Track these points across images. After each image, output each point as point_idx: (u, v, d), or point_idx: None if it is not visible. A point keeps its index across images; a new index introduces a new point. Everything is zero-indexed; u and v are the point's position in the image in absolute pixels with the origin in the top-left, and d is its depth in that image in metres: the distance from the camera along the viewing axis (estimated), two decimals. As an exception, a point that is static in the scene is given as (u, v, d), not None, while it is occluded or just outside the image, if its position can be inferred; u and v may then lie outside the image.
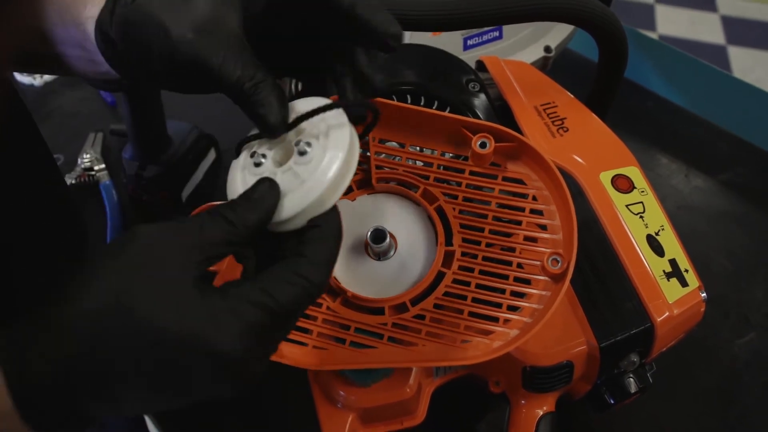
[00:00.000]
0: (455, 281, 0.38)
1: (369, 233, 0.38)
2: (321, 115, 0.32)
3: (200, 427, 0.55)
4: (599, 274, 0.41)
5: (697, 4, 2.10)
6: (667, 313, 0.40)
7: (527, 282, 0.37)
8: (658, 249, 0.43)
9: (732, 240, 0.68)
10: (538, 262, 0.37)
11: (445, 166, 0.41)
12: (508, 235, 0.38)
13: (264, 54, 0.33)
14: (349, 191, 0.41)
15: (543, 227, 0.38)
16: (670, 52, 0.93)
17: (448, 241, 0.39)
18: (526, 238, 0.38)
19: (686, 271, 0.42)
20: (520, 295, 0.37)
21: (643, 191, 0.45)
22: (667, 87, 0.84)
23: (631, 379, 0.42)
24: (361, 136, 0.40)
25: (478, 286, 0.37)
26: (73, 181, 0.75)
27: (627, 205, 0.44)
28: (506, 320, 0.36)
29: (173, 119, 0.73)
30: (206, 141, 0.75)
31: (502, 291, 0.37)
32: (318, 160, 0.30)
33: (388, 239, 0.38)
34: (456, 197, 0.40)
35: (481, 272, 0.38)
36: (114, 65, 0.36)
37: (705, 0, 2.12)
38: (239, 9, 0.33)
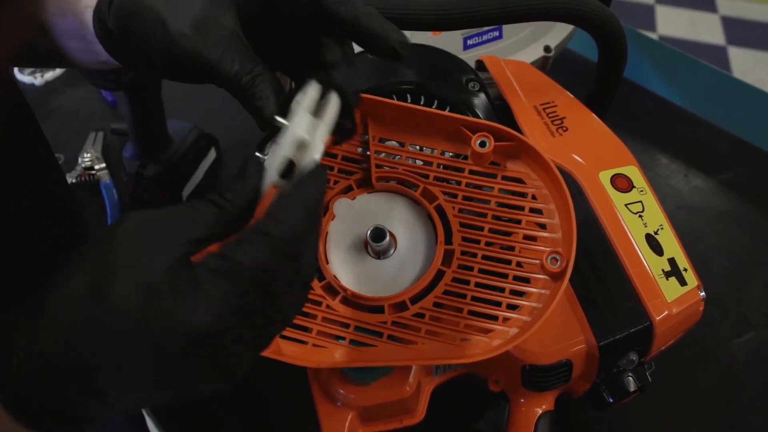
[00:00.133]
0: (455, 280, 0.38)
1: (369, 232, 0.38)
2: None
3: (200, 426, 0.55)
4: (598, 272, 0.42)
5: (698, 5, 2.10)
6: (665, 312, 0.41)
7: (526, 281, 0.37)
8: (657, 248, 0.43)
9: (731, 240, 0.68)
10: (538, 261, 0.37)
11: (445, 165, 0.41)
12: (508, 233, 0.38)
13: (264, 53, 0.33)
14: (348, 190, 0.42)
15: (542, 226, 0.38)
16: (670, 53, 0.93)
17: (448, 240, 0.39)
18: (526, 237, 0.38)
19: (685, 270, 0.42)
20: (520, 294, 0.37)
21: (642, 191, 0.45)
22: (666, 87, 0.85)
23: (630, 378, 0.43)
24: (337, 142, 0.41)
25: (477, 284, 0.38)
26: (74, 180, 0.75)
27: (626, 205, 0.44)
28: (505, 319, 0.36)
29: (174, 119, 0.73)
30: (206, 140, 0.75)
31: (502, 289, 0.37)
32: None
33: (387, 238, 0.38)
34: (456, 196, 0.40)
35: (481, 271, 0.38)
36: (113, 54, 0.36)
37: (705, 1, 2.12)
38: (234, 7, 0.33)
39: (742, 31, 2.00)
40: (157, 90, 0.69)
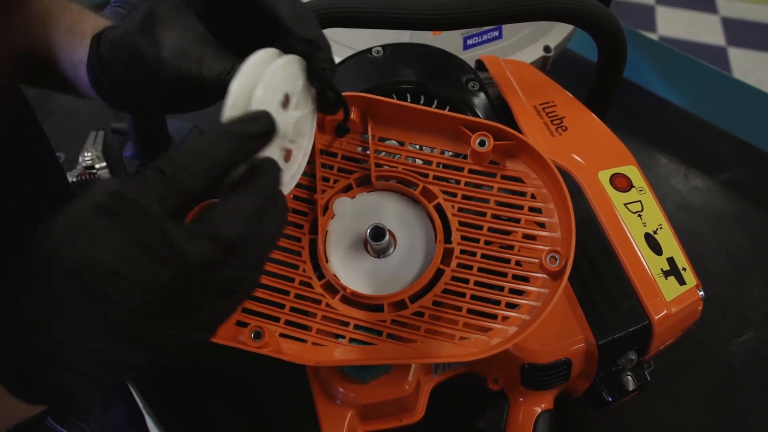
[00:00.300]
0: (454, 279, 0.38)
1: (368, 230, 0.38)
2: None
3: (200, 426, 0.55)
4: (597, 272, 0.42)
5: (698, 6, 2.10)
6: (664, 311, 0.41)
7: (525, 279, 0.37)
8: (656, 247, 0.43)
9: (731, 240, 0.68)
10: (537, 260, 0.37)
11: (445, 164, 0.41)
12: (507, 232, 0.39)
13: (232, 42, 0.34)
14: (348, 189, 0.42)
15: (541, 225, 0.38)
16: (670, 53, 0.93)
17: (447, 239, 0.39)
18: (525, 236, 0.38)
19: (684, 269, 0.42)
20: (519, 293, 0.37)
21: (641, 190, 0.45)
22: (666, 87, 0.85)
23: (629, 377, 0.43)
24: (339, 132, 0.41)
25: (476, 283, 0.38)
26: (75, 180, 0.75)
27: (625, 204, 0.44)
28: (504, 317, 0.37)
29: (174, 118, 0.73)
30: (206, 140, 0.75)
31: (501, 288, 0.37)
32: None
33: (387, 237, 0.38)
34: (455, 195, 0.40)
35: (480, 270, 0.38)
36: (109, 102, 0.38)
37: (705, 1, 2.12)
38: (191, 10, 0.34)
39: (742, 32, 2.00)
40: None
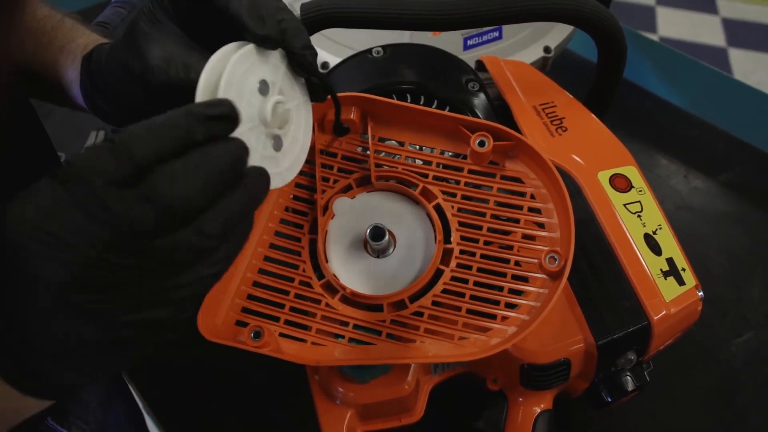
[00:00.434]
0: (453, 279, 0.38)
1: (368, 230, 0.38)
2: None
3: (200, 426, 0.55)
4: (597, 272, 0.42)
5: (698, 7, 2.10)
6: (664, 312, 0.41)
7: (525, 279, 0.38)
8: (655, 248, 0.43)
9: (731, 240, 0.68)
10: (536, 260, 0.37)
11: (444, 164, 0.41)
12: (506, 233, 0.39)
13: (210, 41, 0.34)
14: (348, 189, 0.42)
15: (541, 225, 0.38)
16: (669, 54, 0.93)
17: (447, 239, 0.39)
18: (524, 236, 0.38)
19: (683, 269, 0.43)
20: (518, 293, 0.37)
21: (641, 191, 0.45)
22: (666, 88, 0.85)
23: (629, 377, 0.43)
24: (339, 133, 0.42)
25: (476, 283, 0.38)
26: (75, 179, 0.75)
27: (625, 204, 0.44)
28: (504, 317, 0.37)
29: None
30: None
31: (500, 288, 0.37)
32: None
33: (387, 237, 0.39)
34: (455, 195, 0.40)
35: (479, 270, 0.38)
36: (105, 119, 0.40)
37: (706, 2, 2.12)
38: (167, 15, 0.35)
39: (742, 33, 2.00)
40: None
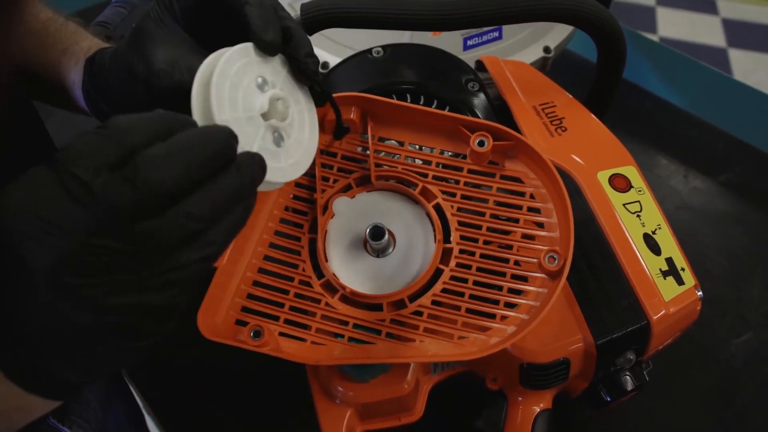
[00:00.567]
0: (453, 278, 0.38)
1: (368, 230, 0.38)
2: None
3: (200, 426, 0.55)
4: (596, 271, 0.42)
5: (698, 7, 2.10)
6: (663, 311, 0.41)
7: (524, 279, 0.38)
8: (654, 247, 0.43)
9: (730, 240, 0.68)
10: (535, 260, 0.37)
11: (444, 164, 0.41)
12: (506, 232, 0.39)
13: (213, 43, 0.34)
14: (348, 188, 0.42)
15: (540, 225, 0.39)
16: (669, 54, 0.93)
17: (446, 239, 0.39)
18: (524, 236, 0.38)
19: (682, 269, 0.43)
20: (517, 292, 0.37)
21: (640, 190, 0.45)
22: (666, 88, 0.85)
23: (628, 377, 0.43)
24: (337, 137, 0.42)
25: (475, 283, 0.38)
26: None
27: (624, 204, 0.44)
28: (503, 317, 0.37)
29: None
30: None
31: (500, 288, 0.37)
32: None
33: (386, 236, 0.39)
34: (454, 195, 0.40)
35: (479, 269, 0.38)
36: (103, 121, 0.39)
37: (706, 3, 2.13)
38: (173, 18, 0.35)
39: (742, 33, 2.00)
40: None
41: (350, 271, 0.39)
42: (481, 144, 0.40)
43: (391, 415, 0.44)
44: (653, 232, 0.44)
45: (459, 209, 0.40)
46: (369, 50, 0.52)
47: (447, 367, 0.45)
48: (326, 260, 0.39)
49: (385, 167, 0.41)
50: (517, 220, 0.39)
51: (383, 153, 0.42)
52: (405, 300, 0.38)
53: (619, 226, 0.43)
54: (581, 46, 0.82)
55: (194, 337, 0.35)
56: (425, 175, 0.41)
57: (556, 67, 0.71)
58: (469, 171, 0.41)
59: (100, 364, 0.28)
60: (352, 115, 0.41)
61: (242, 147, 0.28)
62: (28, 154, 0.46)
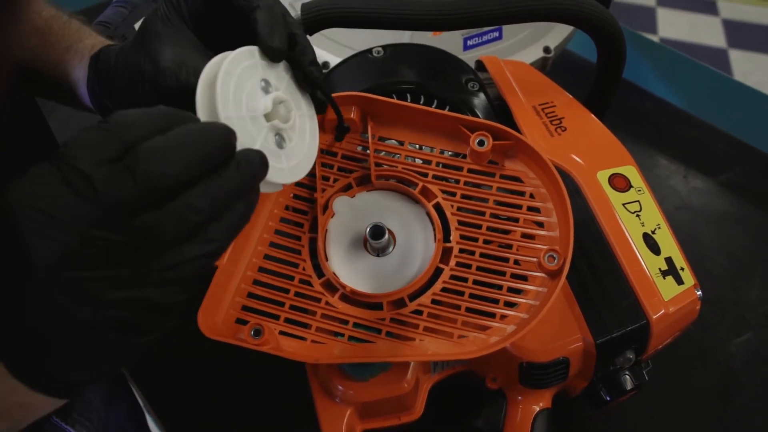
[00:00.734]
0: (453, 277, 0.38)
1: (368, 229, 0.39)
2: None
3: (200, 426, 0.55)
4: (595, 271, 0.42)
5: (698, 8, 2.10)
6: (662, 311, 0.41)
7: (524, 278, 0.38)
8: (654, 247, 0.43)
9: (730, 240, 0.68)
10: (535, 259, 0.37)
11: (444, 163, 0.41)
12: (506, 232, 0.39)
13: (221, 46, 0.34)
14: (348, 188, 0.42)
15: (540, 224, 0.39)
16: (669, 54, 0.94)
17: (446, 238, 0.39)
18: (523, 235, 0.38)
19: (682, 269, 0.43)
20: (517, 292, 0.37)
21: (639, 190, 0.45)
22: (666, 88, 0.85)
23: (627, 376, 0.43)
24: (337, 138, 0.42)
25: (475, 282, 0.38)
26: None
27: (624, 204, 0.44)
28: (503, 316, 0.37)
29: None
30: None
31: (499, 287, 0.38)
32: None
33: (386, 235, 0.39)
34: (454, 194, 0.40)
35: (479, 269, 0.38)
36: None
37: (706, 3, 2.13)
38: (183, 20, 0.36)
39: (742, 34, 2.00)
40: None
41: (350, 270, 0.39)
42: (481, 143, 0.40)
43: (391, 414, 0.44)
44: (653, 232, 0.44)
45: (459, 209, 0.40)
46: (369, 50, 0.52)
47: (447, 366, 0.45)
48: (326, 259, 0.39)
49: (386, 167, 0.41)
50: (516, 220, 0.39)
51: (383, 152, 0.42)
52: (405, 299, 0.38)
53: (619, 226, 0.43)
54: (581, 46, 0.82)
55: (195, 337, 0.35)
56: (425, 175, 0.41)
57: (556, 67, 0.71)
58: (469, 170, 0.41)
59: (100, 362, 0.28)
60: (352, 115, 0.41)
61: (245, 146, 0.29)
62: (31, 151, 0.46)
